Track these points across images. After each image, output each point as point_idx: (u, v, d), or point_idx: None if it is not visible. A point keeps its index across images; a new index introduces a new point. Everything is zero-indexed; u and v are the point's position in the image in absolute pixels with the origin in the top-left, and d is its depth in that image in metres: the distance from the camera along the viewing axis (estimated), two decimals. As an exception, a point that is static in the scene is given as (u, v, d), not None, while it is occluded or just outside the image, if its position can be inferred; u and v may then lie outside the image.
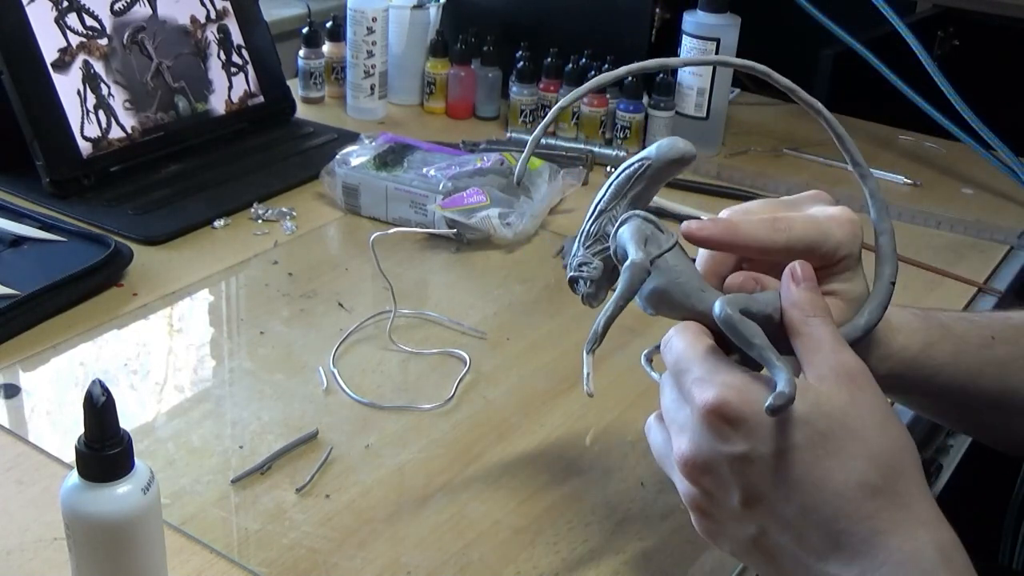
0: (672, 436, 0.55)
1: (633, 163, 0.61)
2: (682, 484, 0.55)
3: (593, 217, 0.62)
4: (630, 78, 1.31)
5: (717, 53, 1.30)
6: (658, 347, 0.60)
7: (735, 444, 0.51)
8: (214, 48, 1.29)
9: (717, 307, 0.54)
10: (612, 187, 0.61)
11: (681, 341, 0.56)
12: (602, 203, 0.61)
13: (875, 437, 0.51)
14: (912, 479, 0.51)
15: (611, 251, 0.61)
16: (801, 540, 0.51)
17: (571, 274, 0.63)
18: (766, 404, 0.50)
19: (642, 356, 0.62)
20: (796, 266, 0.56)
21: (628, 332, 0.92)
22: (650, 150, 0.60)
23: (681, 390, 0.55)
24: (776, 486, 0.51)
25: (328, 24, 1.47)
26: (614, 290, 0.59)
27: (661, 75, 1.32)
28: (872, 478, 0.50)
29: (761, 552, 0.54)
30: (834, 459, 0.50)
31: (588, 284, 0.62)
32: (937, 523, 0.51)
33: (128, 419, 0.73)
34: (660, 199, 1.20)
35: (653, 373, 0.60)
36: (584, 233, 0.62)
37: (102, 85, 1.15)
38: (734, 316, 0.54)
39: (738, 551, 0.55)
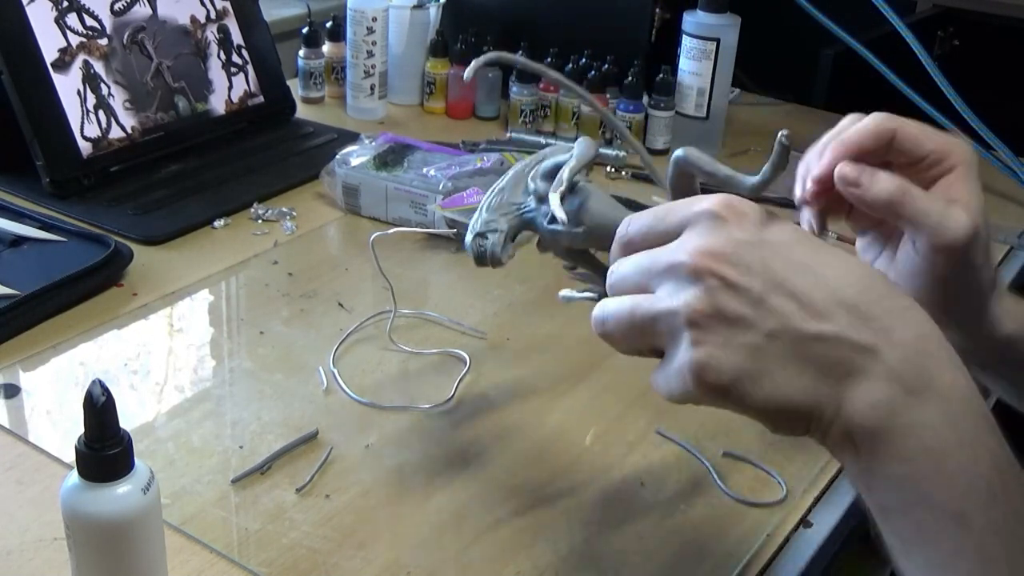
0: (665, 253, 0.50)
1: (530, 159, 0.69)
2: (686, 289, 0.49)
3: (494, 194, 0.68)
4: (631, 77, 1.32)
5: (717, 53, 1.30)
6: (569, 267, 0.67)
7: (757, 231, 0.49)
8: (214, 48, 1.29)
9: (680, 151, 0.57)
10: (511, 174, 0.68)
11: (632, 222, 0.53)
12: (504, 182, 0.68)
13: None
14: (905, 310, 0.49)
15: (532, 198, 0.67)
16: (824, 319, 0.47)
17: (478, 230, 0.67)
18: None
19: (560, 294, 0.62)
20: None
21: (628, 332, 0.92)
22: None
23: (668, 228, 0.51)
24: (803, 270, 0.48)
25: (328, 24, 1.47)
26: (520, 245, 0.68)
27: (661, 75, 1.32)
28: (872, 276, 0.49)
29: (774, 355, 0.48)
30: (849, 256, 0.49)
31: (497, 236, 0.66)
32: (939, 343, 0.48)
33: (128, 419, 0.73)
34: (661, 201, 1.20)
35: (576, 293, 0.61)
36: (486, 206, 0.68)
37: (102, 85, 1.15)
38: (692, 150, 0.57)
39: (737, 364, 0.48)
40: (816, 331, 0.47)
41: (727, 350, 0.48)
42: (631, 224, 0.53)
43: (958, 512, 0.45)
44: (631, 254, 0.52)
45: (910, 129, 0.63)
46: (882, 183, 0.59)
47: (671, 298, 0.49)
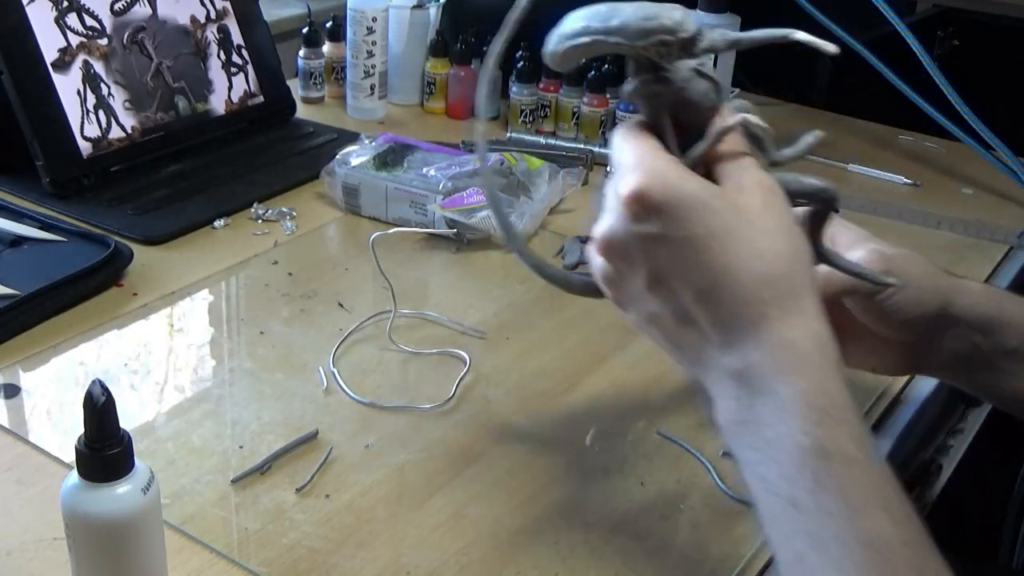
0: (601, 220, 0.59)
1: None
2: (597, 259, 0.59)
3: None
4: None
5: (717, 53, 1.30)
6: None
7: (650, 225, 0.55)
8: (214, 48, 1.29)
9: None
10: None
11: (625, 142, 0.58)
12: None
13: (781, 237, 0.54)
14: (806, 279, 0.55)
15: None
16: (691, 324, 0.56)
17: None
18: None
19: None
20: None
21: (629, 332, 0.92)
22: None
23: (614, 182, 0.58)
24: (679, 270, 0.55)
25: (328, 24, 1.47)
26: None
27: (661, 75, 1.32)
28: (773, 269, 0.54)
29: (658, 329, 0.58)
30: (741, 248, 0.54)
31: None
32: (820, 318, 0.54)
33: (128, 419, 0.73)
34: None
35: None
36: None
37: (102, 85, 1.15)
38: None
39: (639, 325, 0.60)
40: (681, 330, 0.56)
41: (627, 310, 0.60)
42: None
43: (790, 497, 0.50)
44: None
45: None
46: None
47: (595, 253, 0.60)
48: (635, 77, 0.60)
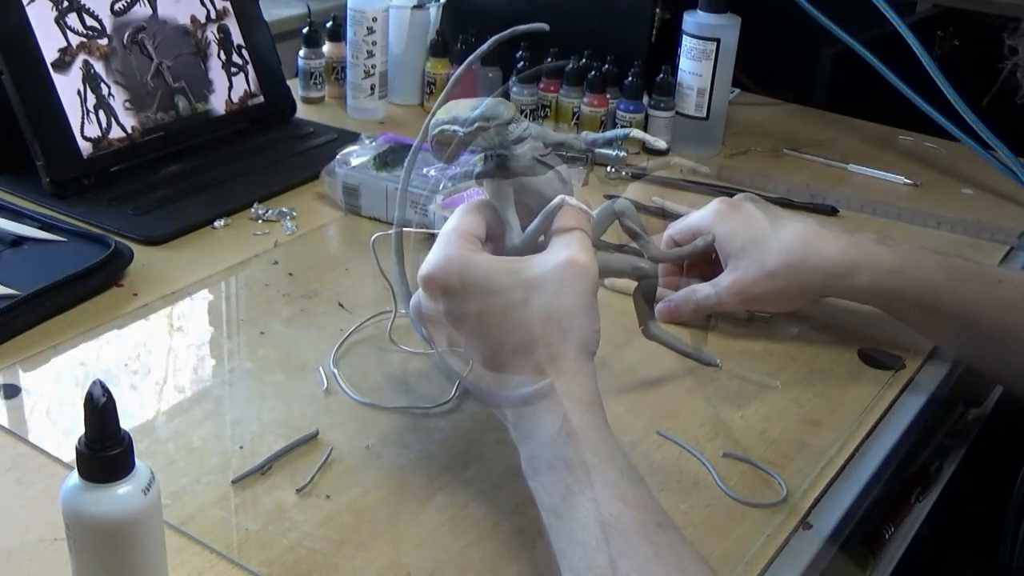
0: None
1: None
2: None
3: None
4: (631, 78, 1.32)
5: (717, 53, 1.30)
6: None
7: (440, 304, 0.66)
8: (214, 48, 1.29)
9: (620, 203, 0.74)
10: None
11: (449, 221, 0.69)
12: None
13: (543, 309, 0.64)
14: (569, 355, 0.64)
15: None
16: (483, 381, 0.67)
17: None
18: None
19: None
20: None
21: (628, 332, 0.92)
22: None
23: None
24: (465, 340, 0.66)
25: (328, 24, 1.47)
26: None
27: (661, 75, 1.32)
28: (536, 350, 0.64)
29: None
30: (512, 320, 0.64)
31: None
32: (573, 372, 0.64)
33: (128, 419, 0.73)
34: (660, 200, 1.20)
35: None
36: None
37: (102, 85, 1.15)
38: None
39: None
40: (479, 380, 0.67)
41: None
42: None
43: (554, 509, 0.61)
44: None
45: (680, 231, 0.92)
46: (683, 309, 0.91)
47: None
48: (483, 164, 0.70)
